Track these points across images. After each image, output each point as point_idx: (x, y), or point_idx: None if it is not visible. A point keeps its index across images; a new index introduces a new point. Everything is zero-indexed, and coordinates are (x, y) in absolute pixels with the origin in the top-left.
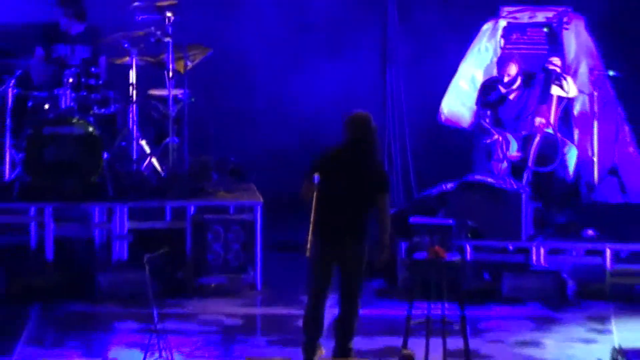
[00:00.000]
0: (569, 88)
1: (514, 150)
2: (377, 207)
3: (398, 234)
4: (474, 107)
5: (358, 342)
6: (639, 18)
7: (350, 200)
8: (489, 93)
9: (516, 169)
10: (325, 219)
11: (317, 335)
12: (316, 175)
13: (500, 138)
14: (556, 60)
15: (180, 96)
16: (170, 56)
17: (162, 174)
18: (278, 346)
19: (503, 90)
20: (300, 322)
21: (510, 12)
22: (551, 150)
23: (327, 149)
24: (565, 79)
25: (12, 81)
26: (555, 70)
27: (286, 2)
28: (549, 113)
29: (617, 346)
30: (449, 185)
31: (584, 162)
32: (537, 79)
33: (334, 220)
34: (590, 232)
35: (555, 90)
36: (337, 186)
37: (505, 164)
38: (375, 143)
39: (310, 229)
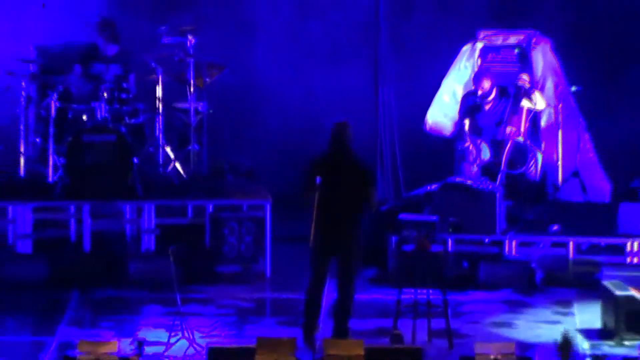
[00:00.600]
0: (537, 101)
1: (487, 155)
2: (366, 200)
3: (389, 229)
4: (455, 117)
5: (354, 323)
6: (597, 40)
7: (343, 197)
8: (468, 104)
9: (491, 171)
10: (323, 215)
11: (315, 317)
12: (318, 177)
13: (472, 146)
14: (525, 77)
15: (200, 108)
16: (191, 73)
17: (185, 177)
18: (286, 327)
19: (479, 102)
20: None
21: (486, 36)
22: (521, 155)
23: (317, 156)
24: (534, 93)
25: (55, 95)
26: (524, 86)
27: (291, 26)
28: (519, 123)
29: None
30: (433, 186)
31: (549, 165)
32: (509, 93)
33: (330, 215)
34: (555, 227)
35: (525, 103)
36: (330, 186)
37: (475, 168)
38: (351, 145)
39: (313, 224)
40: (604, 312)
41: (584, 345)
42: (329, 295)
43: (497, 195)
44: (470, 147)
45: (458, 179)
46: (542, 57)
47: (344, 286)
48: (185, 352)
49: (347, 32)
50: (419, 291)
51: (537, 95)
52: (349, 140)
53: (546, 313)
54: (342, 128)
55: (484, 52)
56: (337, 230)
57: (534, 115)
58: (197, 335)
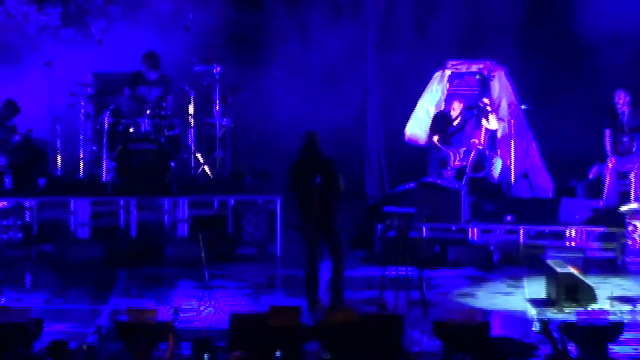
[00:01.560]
0: (492, 123)
1: (456, 161)
2: (335, 187)
3: (375, 219)
4: (428, 131)
5: (347, 295)
6: (542, 67)
7: (320, 189)
8: (439, 120)
9: (458, 174)
10: (309, 205)
11: (315, 290)
12: (318, 177)
13: (451, 153)
14: (486, 100)
15: (224, 123)
16: (217, 95)
17: (211, 177)
18: (293, 297)
19: (451, 119)
20: None
21: (453, 64)
22: (482, 161)
23: (294, 161)
24: (491, 114)
25: (108, 112)
26: (485, 107)
27: (297, 56)
28: (481, 136)
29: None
30: (411, 185)
31: (504, 168)
32: (473, 112)
33: (315, 205)
34: (509, 217)
35: (484, 122)
36: (309, 182)
37: (452, 171)
38: (318, 148)
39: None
40: (548, 285)
41: (532, 312)
42: (324, 274)
43: (462, 192)
44: (451, 154)
45: (431, 179)
46: (498, 82)
47: (334, 258)
48: (212, 318)
49: (342, 61)
50: (399, 269)
51: (492, 118)
52: (317, 144)
53: (501, 286)
54: (311, 135)
55: (451, 78)
56: (321, 215)
57: (492, 130)
58: (221, 304)
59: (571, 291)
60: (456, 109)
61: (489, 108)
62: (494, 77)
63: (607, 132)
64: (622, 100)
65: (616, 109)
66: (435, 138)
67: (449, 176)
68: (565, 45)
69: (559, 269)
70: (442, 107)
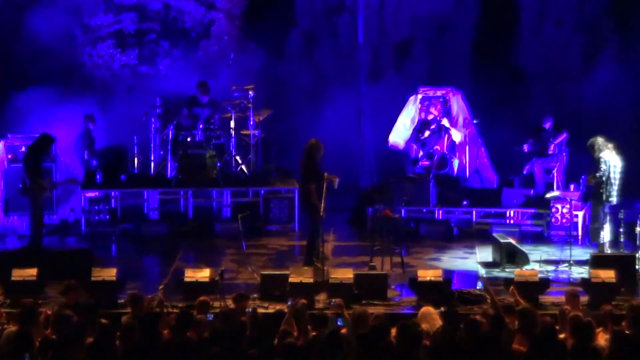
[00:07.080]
0: (455, 135)
1: (424, 161)
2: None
3: (367, 203)
4: (406, 138)
5: (347, 259)
6: (488, 92)
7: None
8: (420, 133)
9: (428, 170)
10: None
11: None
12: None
13: (420, 155)
14: (445, 120)
15: (256, 134)
16: (251, 113)
17: (247, 174)
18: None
19: (429, 124)
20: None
21: (424, 90)
22: (445, 162)
23: None
24: (452, 129)
25: (171, 126)
26: (445, 125)
27: (308, 85)
28: (443, 143)
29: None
30: (393, 178)
31: (461, 166)
32: (437, 127)
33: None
34: (465, 202)
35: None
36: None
37: (421, 169)
38: (308, 149)
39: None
40: (494, 252)
41: (481, 271)
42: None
43: (431, 184)
44: (420, 155)
45: (407, 174)
46: (457, 103)
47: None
48: (248, 277)
49: (342, 89)
50: (384, 240)
51: (454, 132)
52: (307, 149)
53: (459, 253)
54: (310, 143)
55: (422, 100)
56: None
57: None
58: (255, 266)
59: (510, 256)
60: (433, 112)
61: (448, 126)
62: (452, 98)
63: (531, 141)
64: (548, 123)
65: (543, 127)
66: (414, 145)
67: (419, 171)
68: (506, 75)
69: (501, 240)
70: (417, 118)
